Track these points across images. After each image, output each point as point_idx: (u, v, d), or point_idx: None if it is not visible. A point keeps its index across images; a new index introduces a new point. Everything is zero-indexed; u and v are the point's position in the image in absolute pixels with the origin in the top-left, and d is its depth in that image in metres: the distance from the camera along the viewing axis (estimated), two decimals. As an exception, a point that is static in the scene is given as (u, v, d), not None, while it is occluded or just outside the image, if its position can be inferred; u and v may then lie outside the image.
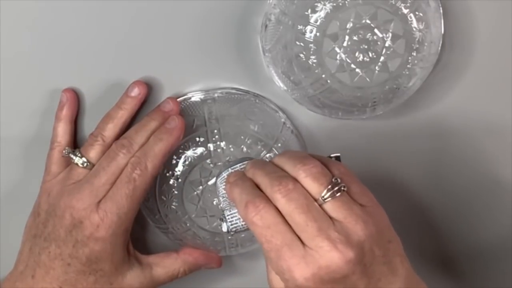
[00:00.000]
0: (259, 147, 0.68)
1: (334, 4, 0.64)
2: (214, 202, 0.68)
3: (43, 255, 0.63)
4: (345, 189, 0.54)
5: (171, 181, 0.68)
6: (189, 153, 0.67)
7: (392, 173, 0.73)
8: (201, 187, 0.68)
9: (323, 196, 0.54)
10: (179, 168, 0.68)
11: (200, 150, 0.67)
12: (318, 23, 0.64)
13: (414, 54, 0.65)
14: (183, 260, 0.68)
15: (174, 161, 0.67)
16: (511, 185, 0.74)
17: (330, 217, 0.53)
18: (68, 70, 0.66)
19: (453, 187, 0.74)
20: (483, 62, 0.69)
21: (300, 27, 0.64)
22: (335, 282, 0.53)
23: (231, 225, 0.58)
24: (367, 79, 0.66)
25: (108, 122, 0.65)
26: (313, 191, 0.54)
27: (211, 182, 0.68)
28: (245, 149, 0.67)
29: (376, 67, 0.66)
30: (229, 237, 0.69)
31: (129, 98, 0.66)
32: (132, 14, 0.65)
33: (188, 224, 0.69)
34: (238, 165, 0.59)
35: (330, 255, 0.52)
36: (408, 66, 0.66)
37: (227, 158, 0.66)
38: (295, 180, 0.54)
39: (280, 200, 0.53)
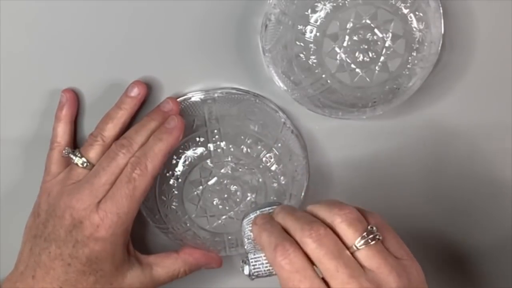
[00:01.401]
0: (259, 147, 0.68)
1: (334, 4, 0.64)
2: (214, 202, 0.68)
3: (43, 256, 0.63)
4: (380, 238, 0.53)
5: (171, 181, 0.68)
6: (189, 153, 0.67)
7: (392, 173, 0.73)
8: (201, 187, 0.68)
9: (357, 243, 0.53)
10: (179, 168, 0.68)
11: (200, 150, 0.67)
12: (318, 23, 0.64)
13: (414, 54, 0.65)
14: (184, 260, 0.68)
15: (174, 161, 0.67)
16: (511, 186, 0.74)
17: (362, 266, 0.53)
18: (67, 70, 0.66)
19: (453, 187, 0.74)
20: (483, 62, 0.69)
21: (300, 27, 0.64)
22: None
23: (254, 269, 0.57)
24: (367, 79, 0.66)
25: (107, 122, 0.65)
26: (347, 237, 0.53)
27: (211, 182, 0.68)
28: (245, 149, 0.67)
29: (376, 67, 0.66)
30: (229, 237, 0.69)
31: (129, 98, 0.66)
32: (131, 14, 0.65)
33: (188, 224, 0.69)
34: (266, 208, 0.58)
35: None
36: (408, 66, 0.66)
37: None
38: (326, 226, 0.53)
39: (311, 245, 0.52)
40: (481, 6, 0.67)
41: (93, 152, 0.64)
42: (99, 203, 0.62)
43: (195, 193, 0.68)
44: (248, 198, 0.68)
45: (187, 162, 0.67)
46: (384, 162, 0.72)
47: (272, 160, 0.68)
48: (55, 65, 0.66)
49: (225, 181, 0.68)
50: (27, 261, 0.64)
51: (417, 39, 0.65)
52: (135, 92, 0.66)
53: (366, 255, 0.53)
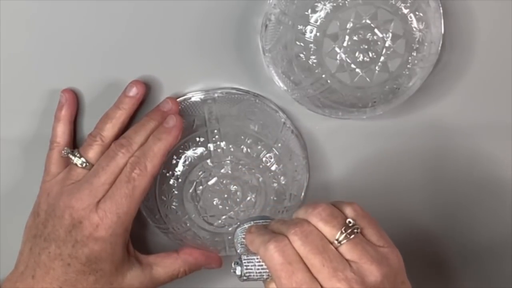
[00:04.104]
0: (259, 147, 0.68)
1: (334, 4, 0.64)
2: (214, 202, 0.68)
3: (43, 255, 0.63)
4: (358, 231, 0.55)
5: (171, 181, 0.68)
6: (189, 153, 0.67)
7: (392, 173, 0.73)
8: (201, 187, 0.68)
9: (337, 239, 0.54)
10: (179, 168, 0.68)
11: (200, 150, 0.67)
12: (318, 23, 0.64)
13: (414, 54, 0.65)
14: (183, 260, 0.68)
15: (174, 161, 0.67)
16: (511, 185, 0.74)
17: (346, 260, 0.54)
18: (67, 70, 0.66)
19: (453, 187, 0.74)
20: (483, 62, 0.69)
21: (300, 27, 0.64)
22: None
23: (246, 269, 0.57)
24: (367, 79, 0.66)
25: (106, 122, 0.65)
26: (327, 234, 0.54)
27: (211, 182, 0.68)
28: (245, 149, 0.67)
29: (376, 67, 0.66)
30: (229, 237, 0.69)
31: (127, 97, 0.66)
32: (131, 14, 0.65)
33: (188, 224, 0.69)
34: (260, 221, 0.59)
35: None
36: (408, 66, 0.66)
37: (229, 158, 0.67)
38: (311, 224, 0.55)
39: (297, 242, 0.54)
40: (481, 6, 0.67)
41: (92, 152, 0.64)
42: (98, 203, 0.62)
43: (195, 193, 0.68)
44: (248, 198, 0.68)
45: (187, 162, 0.67)
46: (384, 162, 0.72)
47: (272, 160, 0.68)
48: (54, 65, 0.66)
49: (225, 181, 0.68)
50: (27, 261, 0.64)
51: (417, 39, 0.65)
52: (133, 91, 0.66)
53: (347, 248, 0.54)
